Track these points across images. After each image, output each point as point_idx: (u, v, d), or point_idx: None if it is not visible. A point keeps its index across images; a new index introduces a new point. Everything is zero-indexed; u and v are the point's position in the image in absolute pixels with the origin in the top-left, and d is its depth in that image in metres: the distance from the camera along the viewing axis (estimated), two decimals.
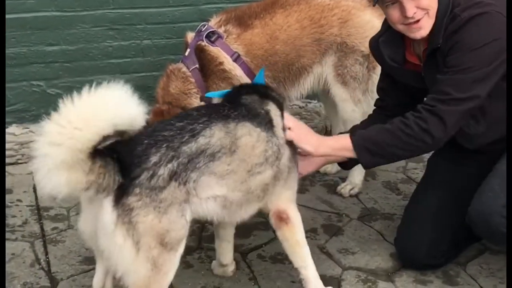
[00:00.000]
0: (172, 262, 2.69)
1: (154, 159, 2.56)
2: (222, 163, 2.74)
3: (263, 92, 3.12)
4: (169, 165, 2.58)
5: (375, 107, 3.77)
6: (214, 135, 2.73)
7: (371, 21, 4.06)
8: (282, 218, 3.15)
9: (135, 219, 2.51)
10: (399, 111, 3.28)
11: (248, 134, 2.85)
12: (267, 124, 2.96)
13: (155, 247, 2.57)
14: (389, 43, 3.38)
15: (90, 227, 2.61)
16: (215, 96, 3.44)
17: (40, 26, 4.55)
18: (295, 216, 3.17)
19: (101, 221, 2.51)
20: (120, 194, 2.50)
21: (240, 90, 3.15)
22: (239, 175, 2.82)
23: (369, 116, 3.74)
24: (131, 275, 2.57)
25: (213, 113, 2.81)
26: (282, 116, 3.10)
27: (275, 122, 3.02)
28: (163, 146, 2.60)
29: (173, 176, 2.59)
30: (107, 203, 2.50)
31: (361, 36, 4.04)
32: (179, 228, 2.65)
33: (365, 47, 4.01)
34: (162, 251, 2.60)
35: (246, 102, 2.99)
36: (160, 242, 2.58)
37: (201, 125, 2.72)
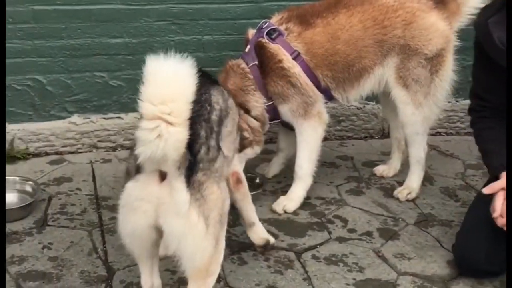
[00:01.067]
0: (224, 238, 2.75)
1: (203, 133, 2.62)
2: (226, 125, 2.87)
3: None
4: (213, 136, 2.68)
5: (477, 118, 3.60)
6: (219, 101, 2.84)
7: (436, 24, 4.00)
8: (239, 179, 3.34)
9: (205, 193, 2.56)
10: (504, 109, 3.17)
11: (231, 96, 3.02)
12: None
13: (218, 221, 2.63)
14: (500, 24, 3.20)
15: (144, 224, 2.60)
16: None
17: (105, 18, 4.62)
18: (242, 174, 3.41)
19: (173, 203, 2.51)
20: (189, 172, 2.52)
21: None
22: (232, 135, 2.96)
23: (484, 130, 3.54)
24: (199, 255, 2.59)
25: (202, 81, 2.59)
26: None
27: None
28: (201, 119, 2.65)
29: (218, 145, 2.70)
30: (180, 183, 2.50)
31: (425, 38, 3.99)
32: (228, 196, 2.76)
33: (428, 50, 3.97)
34: (221, 225, 2.69)
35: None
36: (220, 215, 2.64)
37: (206, 94, 2.78)
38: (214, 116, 2.76)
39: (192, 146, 2.51)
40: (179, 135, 2.35)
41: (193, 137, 2.50)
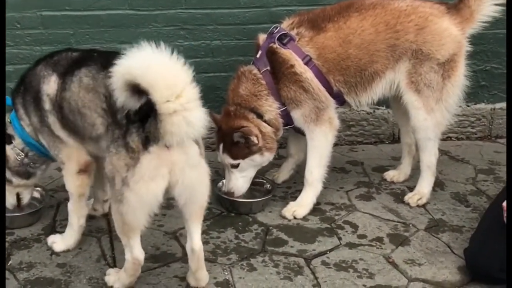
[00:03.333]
0: None
1: None
2: None
3: None
4: None
5: None
6: None
7: (449, 29, 3.97)
8: None
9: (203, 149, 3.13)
10: None
11: None
12: None
13: None
14: None
15: (163, 186, 2.95)
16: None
17: (113, 24, 4.62)
18: None
19: (189, 159, 2.95)
20: None
21: None
22: None
23: None
24: (206, 195, 3.16)
25: None
26: None
27: None
28: None
29: None
30: (192, 144, 2.97)
31: (438, 43, 3.96)
32: None
33: (441, 55, 3.95)
34: None
35: None
36: None
37: None
38: None
39: None
40: (202, 117, 2.79)
41: None
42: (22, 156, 3.64)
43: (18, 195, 3.80)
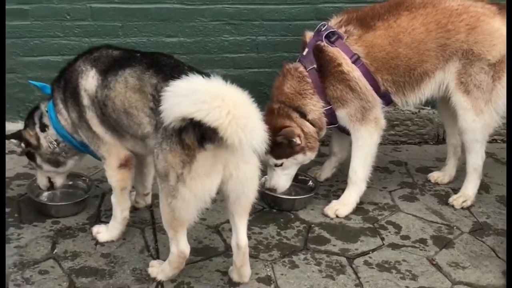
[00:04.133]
0: None
1: None
2: None
3: None
4: None
5: None
6: None
7: (500, 29, 3.91)
8: None
9: None
10: None
11: None
12: None
13: None
14: None
15: (217, 182, 3.01)
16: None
17: (161, 17, 4.65)
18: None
19: (243, 154, 2.94)
20: None
21: None
22: None
23: None
24: (255, 191, 3.17)
25: None
26: None
27: None
28: None
29: None
30: None
31: (489, 44, 3.90)
32: None
33: (492, 56, 3.89)
34: None
35: None
36: None
37: None
38: None
39: None
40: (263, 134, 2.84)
41: None
42: (54, 146, 3.72)
43: (49, 178, 3.90)
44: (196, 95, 2.70)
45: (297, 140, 3.94)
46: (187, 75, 2.93)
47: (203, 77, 2.82)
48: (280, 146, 3.93)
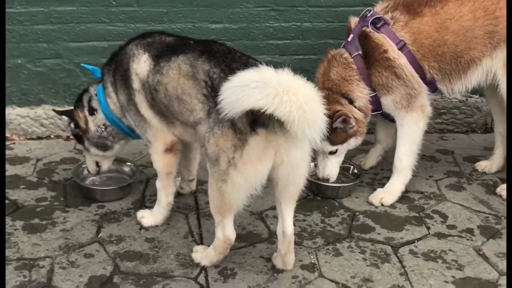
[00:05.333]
0: None
1: None
2: None
3: None
4: None
5: None
6: None
7: None
8: None
9: None
10: None
11: None
12: None
13: None
14: None
15: (269, 166, 2.99)
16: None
17: (205, 3, 4.65)
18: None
19: (295, 139, 2.91)
20: None
21: None
22: None
23: None
24: (305, 178, 3.15)
25: None
26: None
27: None
28: None
29: None
30: None
31: None
32: None
33: None
34: None
35: None
36: None
37: None
38: None
39: None
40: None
41: None
42: (102, 129, 3.76)
43: (97, 163, 3.94)
44: (268, 89, 2.68)
45: (353, 122, 3.90)
46: (240, 62, 2.91)
47: (270, 68, 2.79)
48: (335, 131, 3.87)
